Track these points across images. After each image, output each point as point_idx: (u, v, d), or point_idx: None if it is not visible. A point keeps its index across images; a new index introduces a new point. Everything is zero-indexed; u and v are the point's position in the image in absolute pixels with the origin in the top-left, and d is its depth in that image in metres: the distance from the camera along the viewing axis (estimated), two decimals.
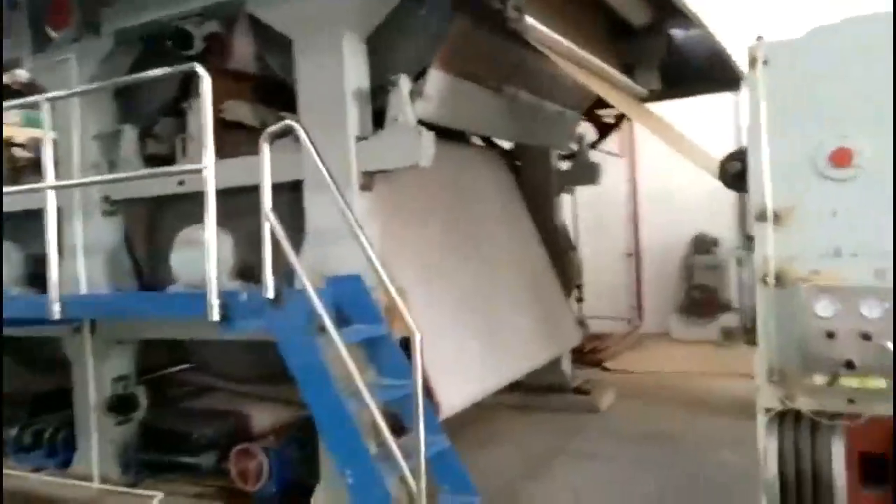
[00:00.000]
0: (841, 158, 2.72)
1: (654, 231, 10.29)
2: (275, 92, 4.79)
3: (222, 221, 4.10)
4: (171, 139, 4.87)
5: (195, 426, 4.43)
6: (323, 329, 2.98)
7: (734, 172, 2.98)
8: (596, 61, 4.70)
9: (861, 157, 2.67)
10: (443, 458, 3.03)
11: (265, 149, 3.24)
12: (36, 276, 5.02)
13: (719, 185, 3.10)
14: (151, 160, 4.78)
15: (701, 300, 9.50)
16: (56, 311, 3.64)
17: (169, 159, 4.78)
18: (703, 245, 9.76)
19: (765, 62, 2.84)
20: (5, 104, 4.26)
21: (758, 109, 2.83)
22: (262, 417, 4.56)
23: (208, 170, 3.22)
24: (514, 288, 5.63)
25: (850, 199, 2.70)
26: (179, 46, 4.61)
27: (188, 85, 4.87)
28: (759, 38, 2.91)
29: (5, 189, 4.53)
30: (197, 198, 4.31)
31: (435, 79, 4.07)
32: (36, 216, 5.01)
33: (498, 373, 4.84)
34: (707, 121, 8.87)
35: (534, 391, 6.08)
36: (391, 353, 3.38)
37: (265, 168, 3.24)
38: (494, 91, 4.96)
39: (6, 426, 5.38)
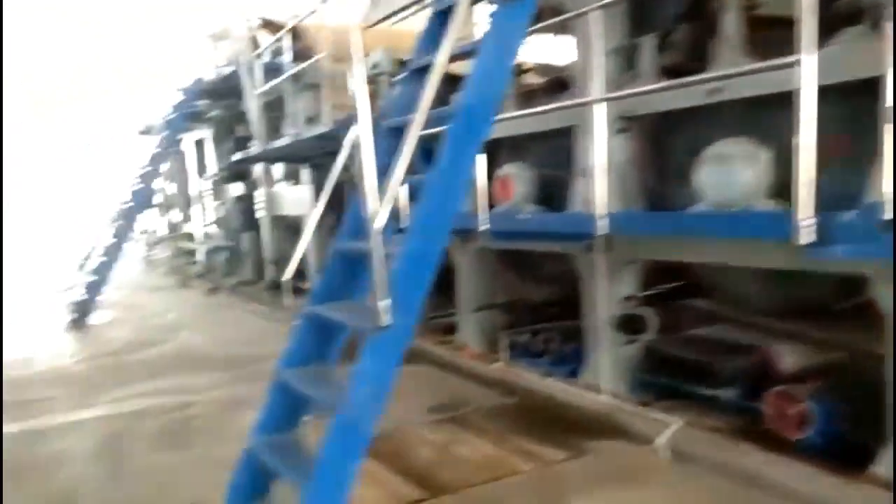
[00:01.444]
0: None
1: None
2: None
3: (750, 134, 3.64)
4: (689, 47, 4.53)
5: (715, 357, 4.16)
6: None
7: None
8: None
9: None
10: None
11: None
12: (542, 196, 5.33)
13: None
14: (667, 72, 4.52)
15: None
16: (602, 226, 3.67)
17: (685, 70, 4.46)
18: None
19: None
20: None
21: None
22: (789, 357, 4.05)
23: (807, 63, 2.69)
24: None
25: None
26: None
27: None
28: None
29: (528, 110, 4.80)
30: (729, 109, 3.94)
31: None
32: (544, 138, 5.31)
33: None
34: None
35: None
36: None
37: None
38: None
39: (511, 331, 5.95)
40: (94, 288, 10.14)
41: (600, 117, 3.74)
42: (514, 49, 2.67)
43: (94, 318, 9.79)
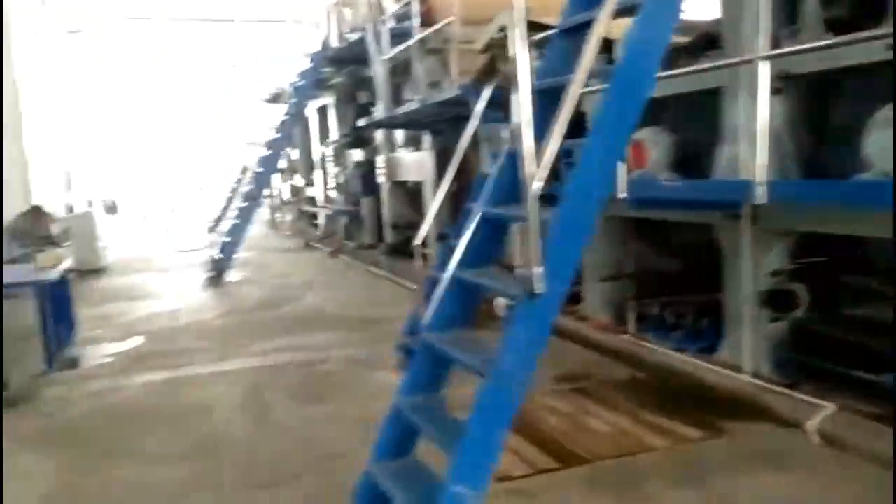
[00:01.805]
0: None
1: None
2: None
3: None
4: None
5: (875, 339, 3.83)
6: None
7: None
8: None
9: None
10: None
11: None
12: (679, 162, 5.05)
13: None
14: (829, 27, 4.12)
15: None
16: (761, 194, 3.44)
17: (849, 25, 4.05)
18: None
19: None
20: None
21: None
22: None
23: None
24: None
25: None
26: None
27: None
28: None
29: (671, 71, 4.53)
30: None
31: None
32: (682, 100, 5.01)
33: None
34: None
35: None
36: None
37: None
38: None
39: (640, 303, 5.74)
40: (228, 248, 10.75)
41: (763, 77, 3.46)
42: (678, 2, 2.50)
43: (229, 277, 10.40)
